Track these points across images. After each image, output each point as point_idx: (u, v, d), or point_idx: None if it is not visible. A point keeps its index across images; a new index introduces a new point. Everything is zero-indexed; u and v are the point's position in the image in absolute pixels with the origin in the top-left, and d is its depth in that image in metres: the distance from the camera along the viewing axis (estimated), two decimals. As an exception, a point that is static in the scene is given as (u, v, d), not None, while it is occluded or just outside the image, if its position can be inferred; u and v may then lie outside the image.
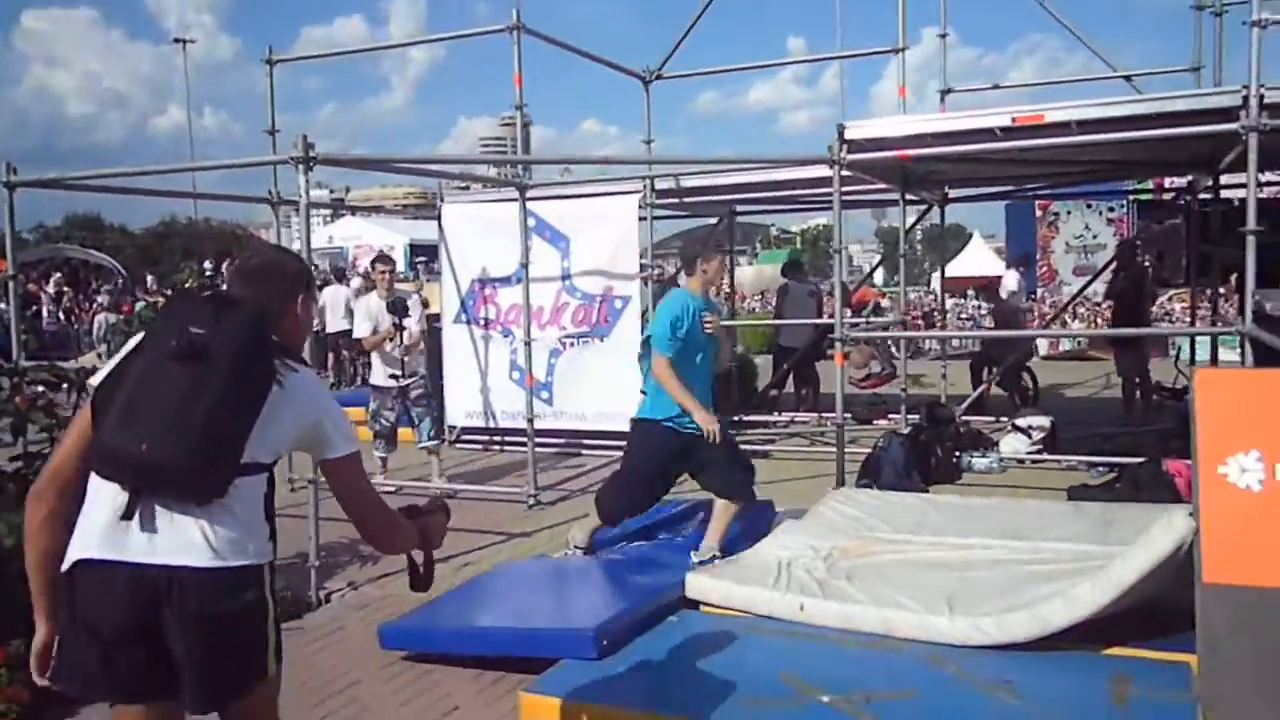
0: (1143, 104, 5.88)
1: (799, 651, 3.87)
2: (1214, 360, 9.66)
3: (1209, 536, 3.34)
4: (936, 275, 35.13)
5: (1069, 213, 20.28)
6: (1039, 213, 20.19)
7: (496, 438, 9.03)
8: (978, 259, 32.65)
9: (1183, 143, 6.27)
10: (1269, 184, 16.12)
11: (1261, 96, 5.30)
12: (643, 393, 5.22)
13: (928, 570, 4.43)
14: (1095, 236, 20.05)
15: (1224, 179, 8.18)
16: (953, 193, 9.48)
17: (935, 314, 21.44)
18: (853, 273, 25.07)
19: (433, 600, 4.69)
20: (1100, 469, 7.10)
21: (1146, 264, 11.09)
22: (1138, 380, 9.67)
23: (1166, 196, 12.71)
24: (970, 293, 26.90)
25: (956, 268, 35.30)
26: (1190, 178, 9.50)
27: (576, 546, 5.32)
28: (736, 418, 9.90)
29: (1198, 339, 10.58)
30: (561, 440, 8.66)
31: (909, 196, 8.48)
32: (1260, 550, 3.31)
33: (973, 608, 3.89)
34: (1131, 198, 17.23)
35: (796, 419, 10.09)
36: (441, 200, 9.16)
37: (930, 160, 7.23)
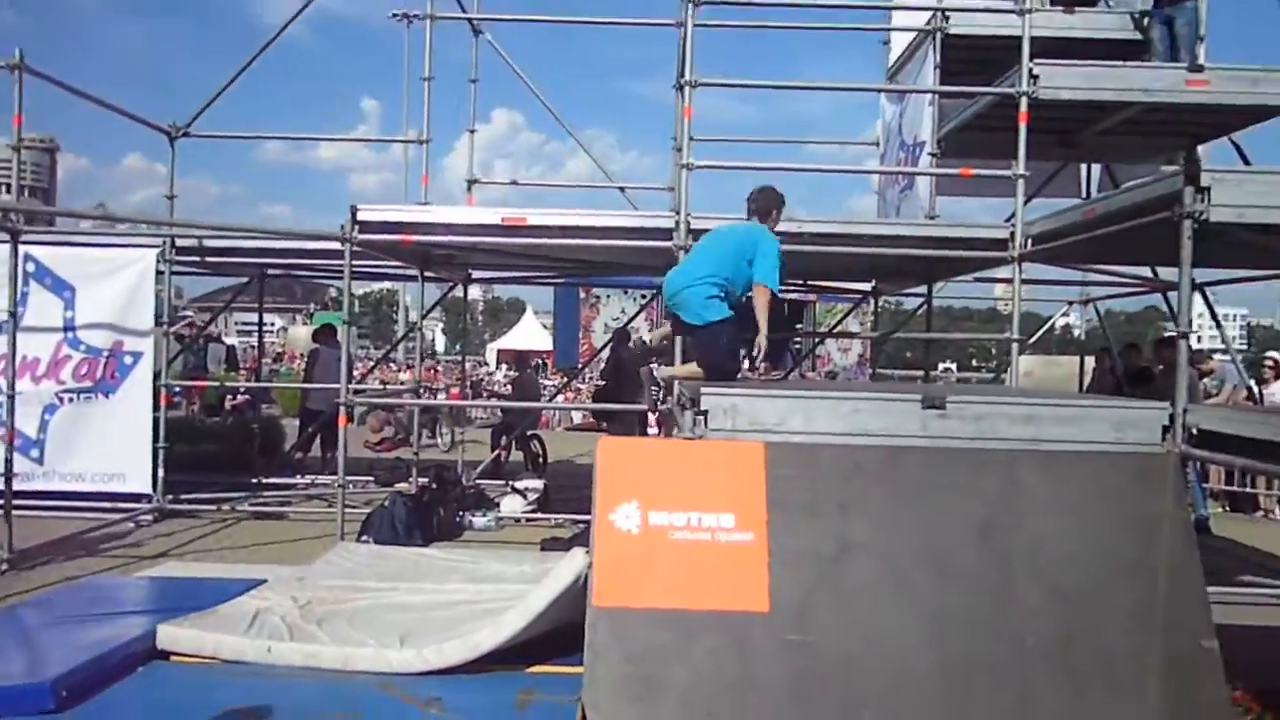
0: (600, 218, 7.11)
1: (261, 690, 4.17)
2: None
3: (599, 569, 4.24)
4: (493, 346, 36.70)
5: (609, 296, 22.59)
6: (583, 294, 22.27)
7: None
8: (531, 333, 35.06)
9: (650, 250, 7.61)
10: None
11: (688, 222, 6.73)
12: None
13: (394, 612, 4.98)
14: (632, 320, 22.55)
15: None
16: (475, 273, 10.39)
17: (483, 383, 22.68)
18: (413, 341, 25.80)
19: None
20: (580, 524, 8.20)
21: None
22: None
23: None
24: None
25: (512, 340, 37.53)
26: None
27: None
28: (256, 480, 9.89)
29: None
30: (51, 502, 8.08)
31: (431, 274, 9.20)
32: (634, 579, 4.26)
33: (422, 641, 4.49)
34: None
35: (318, 481, 10.27)
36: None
37: (442, 245, 8.00)
